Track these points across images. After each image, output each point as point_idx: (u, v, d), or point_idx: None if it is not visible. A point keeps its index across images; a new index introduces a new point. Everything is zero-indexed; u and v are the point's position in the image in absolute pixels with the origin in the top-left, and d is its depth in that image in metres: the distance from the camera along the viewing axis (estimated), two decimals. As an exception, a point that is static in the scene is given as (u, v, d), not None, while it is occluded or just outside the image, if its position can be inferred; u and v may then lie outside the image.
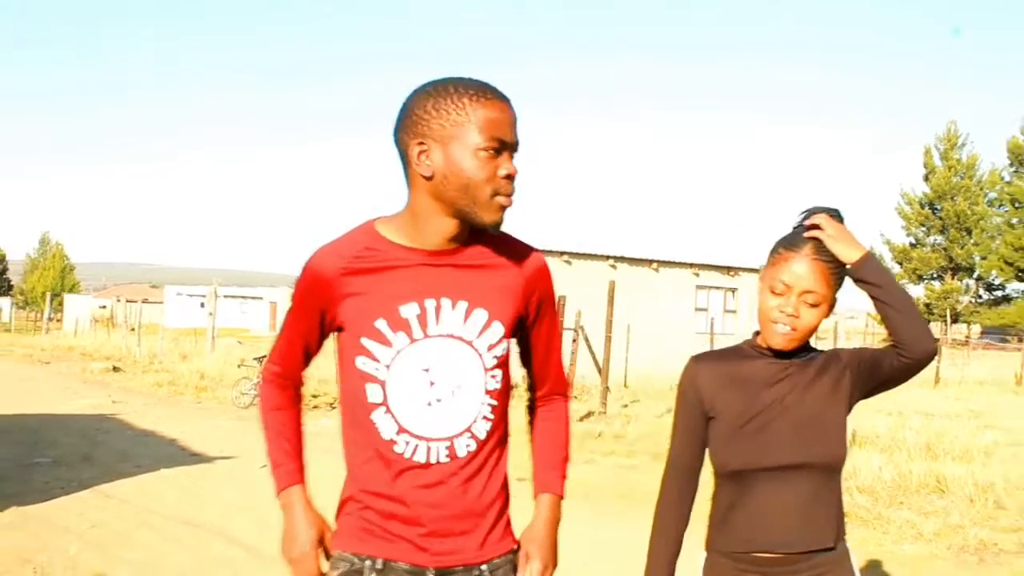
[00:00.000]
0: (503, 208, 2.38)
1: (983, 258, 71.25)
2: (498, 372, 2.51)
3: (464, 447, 2.45)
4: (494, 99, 2.37)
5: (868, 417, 15.63)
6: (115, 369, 27.85)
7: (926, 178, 72.58)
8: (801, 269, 2.75)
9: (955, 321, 63.49)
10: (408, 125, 2.37)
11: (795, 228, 2.86)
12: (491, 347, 2.49)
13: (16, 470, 10.56)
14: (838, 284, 2.78)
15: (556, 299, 2.75)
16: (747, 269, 33.19)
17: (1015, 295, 74.99)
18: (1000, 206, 72.77)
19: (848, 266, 2.74)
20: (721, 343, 27.87)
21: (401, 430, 2.41)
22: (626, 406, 19.37)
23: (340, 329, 2.49)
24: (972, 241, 71.12)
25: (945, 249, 71.65)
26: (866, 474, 10.59)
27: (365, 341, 2.41)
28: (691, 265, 33.25)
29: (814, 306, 2.75)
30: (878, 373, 2.83)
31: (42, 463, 11.11)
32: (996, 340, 56.55)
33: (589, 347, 19.86)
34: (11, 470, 10.54)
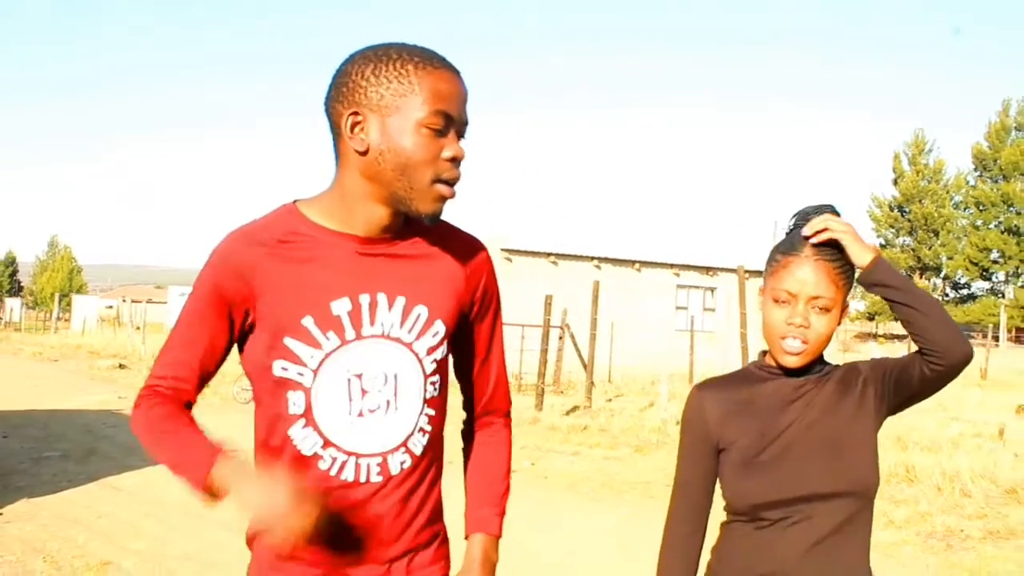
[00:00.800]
0: (443, 199, 1.99)
1: (949, 258, 71.70)
2: (437, 378, 2.13)
3: (398, 464, 2.06)
4: (443, 68, 1.97)
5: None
6: (121, 367, 27.84)
7: (895, 182, 72.96)
8: (804, 273, 2.33)
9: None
10: (343, 92, 1.97)
11: (788, 233, 2.44)
12: (431, 350, 2.09)
13: (26, 464, 10.53)
14: (848, 285, 2.38)
15: (500, 297, 2.32)
16: (725, 269, 33.23)
17: (980, 293, 75.47)
18: (965, 209, 73.30)
19: (860, 270, 2.33)
20: (700, 340, 28.01)
21: (327, 444, 2.01)
22: (610, 400, 19.39)
23: (251, 330, 2.05)
24: (939, 242, 71.55)
25: (913, 250, 71.99)
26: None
27: (289, 341, 1.99)
28: (671, 265, 33.32)
29: (825, 312, 2.32)
30: (907, 385, 2.36)
31: (51, 457, 11.08)
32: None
33: (575, 344, 19.93)
34: (22, 464, 10.51)
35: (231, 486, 1.90)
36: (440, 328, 2.10)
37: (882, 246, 71.93)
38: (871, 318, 71.55)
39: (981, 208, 70.61)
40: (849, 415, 2.37)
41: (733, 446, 2.40)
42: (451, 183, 1.99)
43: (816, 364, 2.41)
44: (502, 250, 28.70)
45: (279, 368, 2.00)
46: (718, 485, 2.45)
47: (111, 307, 77.99)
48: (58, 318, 62.02)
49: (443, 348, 2.13)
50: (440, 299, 2.10)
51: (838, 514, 2.31)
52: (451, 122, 1.96)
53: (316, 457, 2.01)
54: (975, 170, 72.04)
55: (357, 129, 1.95)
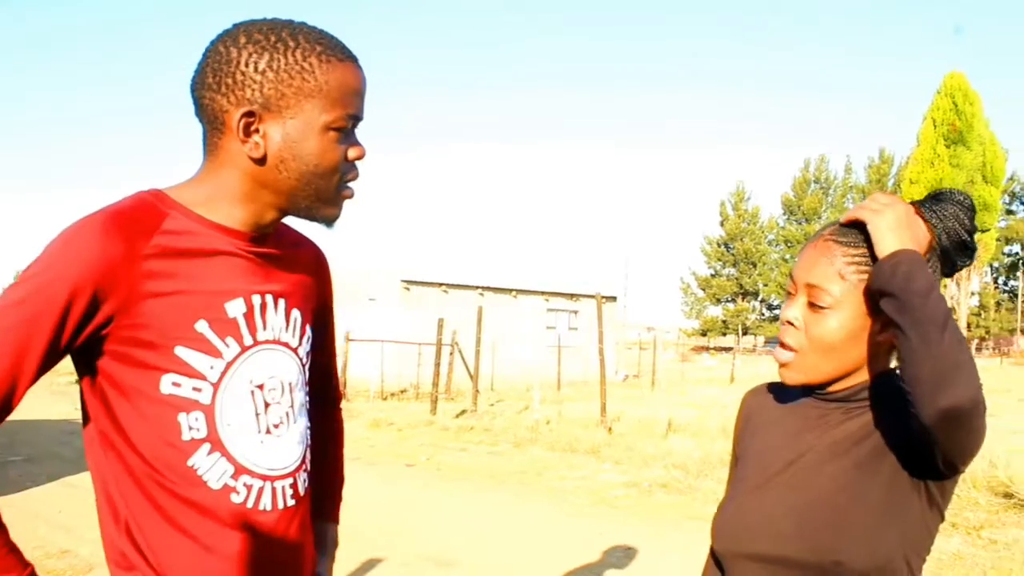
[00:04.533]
0: (346, 200, 1.51)
1: (765, 285, 73.32)
2: (307, 387, 1.67)
3: (303, 483, 1.58)
4: (348, 60, 1.46)
5: (679, 409, 15.97)
6: (77, 382, 27.03)
7: (722, 224, 74.47)
8: (806, 258, 1.50)
9: (745, 333, 65.32)
10: (228, 84, 1.40)
11: None
12: (307, 355, 1.63)
13: (-7, 467, 10.14)
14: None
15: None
16: (586, 295, 33.61)
17: (789, 313, 77.31)
18: (776, 245, 75.19)
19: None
20: (566, 354, 28.19)
21: (240, 471, 1.46)
22: (492, 405, 19.36)
23: (104, 341, 1.42)
24: (757, 272, 73.21)
25: (737, 278, 73.50)
26: (679, 454, 10.80)
27: (182, 351, 1.40)
28: (542, 293, 33.56)
29: (827, 310, 1.45)
30: (916, 434, 1.34)
31: (15, 460, 10.66)
32: (776, 347, 58.18)
33: (463, 359, 19.90)
34: (-11, 467, 10.12)
35: None
36: (310, 333, 1.64)
37: (712, 275, 73.38)
38: (704, 334, 73.00)
39: (789, 245, 72.60)
40: (848, 470, 1.46)
41: (739, 461, 1.67)
42: (352, 184, 1.53)
43: (872, 381, 1.50)
44: (402, 281, 28.60)
45: (168, 384, 1.41)
46: None
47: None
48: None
49: (311, 355, 1.68)
50: (308, 303, 1.64)
51: None
52: (357, 122, 1.50)
53: (227, 490, 1.46)
54: (784, 214, 74.13)
55: (254, 133, 1.43)
